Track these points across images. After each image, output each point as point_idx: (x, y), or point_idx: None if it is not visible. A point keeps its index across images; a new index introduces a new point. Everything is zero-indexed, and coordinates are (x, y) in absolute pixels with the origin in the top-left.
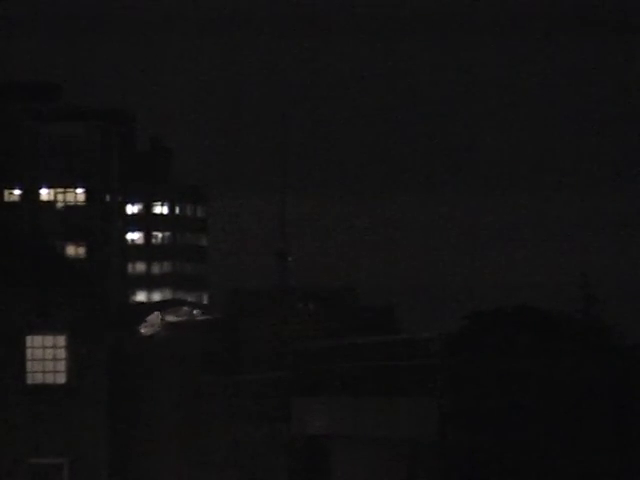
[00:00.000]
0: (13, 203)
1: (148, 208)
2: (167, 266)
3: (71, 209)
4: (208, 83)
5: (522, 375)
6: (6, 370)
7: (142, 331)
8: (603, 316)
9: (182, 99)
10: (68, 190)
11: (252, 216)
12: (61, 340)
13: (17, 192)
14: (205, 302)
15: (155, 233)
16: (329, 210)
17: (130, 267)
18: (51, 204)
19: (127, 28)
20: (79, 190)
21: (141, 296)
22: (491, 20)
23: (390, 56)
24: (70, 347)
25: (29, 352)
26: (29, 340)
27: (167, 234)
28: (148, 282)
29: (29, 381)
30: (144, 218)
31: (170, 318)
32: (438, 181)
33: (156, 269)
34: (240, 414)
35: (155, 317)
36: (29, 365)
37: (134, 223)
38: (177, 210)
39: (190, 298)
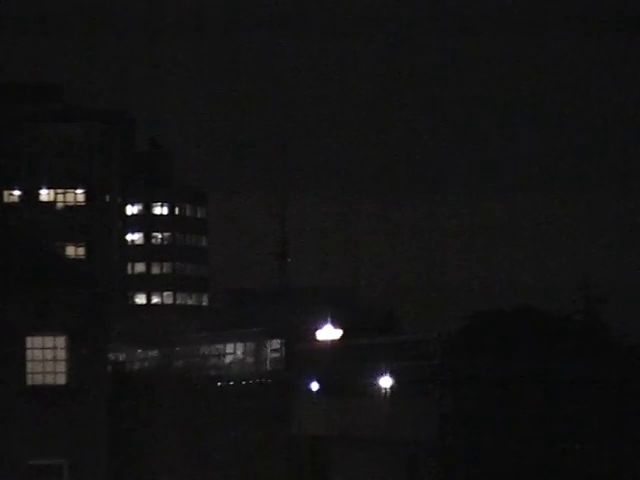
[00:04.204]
0: (13, 204)
1: (148, 209)
2: (167, 267)
3: (71, 210)
4: (208, 83)
5: (522, 375)
6: (6, 371)
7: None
8: (603, 316)
9: (182, 99)
10: (68, 191)
11: (252, 216)
12: (61, 341)
13: (17, 193)
14: (205, 303)
15: (155, 234)
16: (329, 210)
17: (130, 268)
18: (51, 205)
19: (127, 28)
20: (79, 191)
21: (141, 297)
22: (493, 19)
23: (390, 57)
24: (70, 348)
25: (29, 353)
26: (29, 341)
27: (167, 235)
28: (148, 283)
29: (29, 382)
30: (144, 219)
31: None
32: (438, 182)
33: (156, 270)
34: (240, 415)
35: None
36: (29, 366)
37: (134, 224)
38: (177, 211)
39: (190, 299)
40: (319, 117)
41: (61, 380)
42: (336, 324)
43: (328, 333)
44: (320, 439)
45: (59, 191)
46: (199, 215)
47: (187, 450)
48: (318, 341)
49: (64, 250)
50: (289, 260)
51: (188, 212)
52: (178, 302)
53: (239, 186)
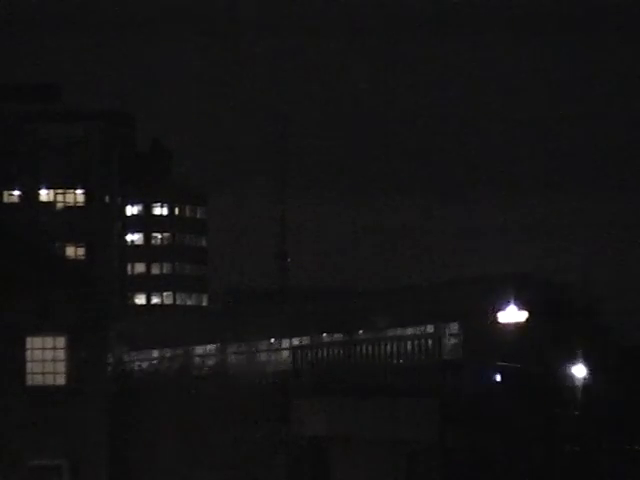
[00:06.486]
0: (13, 204)
1: (148, 209)
2: (167, 267)
3: (71, 210)
4: (207, 84)
5: (521, 375)
6: (6, 371)
7: None
8: (603, 316)
9: (182, 100)
10: (68, 191)
11: (251, 217)
12: (61, 341)
13: (17, 193)
14: (205, 303)
15: (155, 234)
16: (328, 211)
17: (130, 268)
18: (51, 205)
19: (127, 29)
20: (79, 191)
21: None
22: (492, 20)
23: (389, 58)
24: (70, 348)
25: (29, 353)
26: (29, 341)
27: (167, 235)
28: (148, 283)
29: (29, 382)
30: (144, 219)
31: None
32: (438, 182)
33: (156, 270)
34: (240, 415)
35: None
36: (29, 366)
37: (134, 224)
38: (177, 211)
39: (190, 299)
40: (319, 117)
41: (61, 380)
42: (520, 305)
43: (512, 315)
44: (320, 439)
45: (59, 191)
46: (199, 215)
47: (187, 450)
48: (500, 324)
49: (64, 250)
50: (289, 260)
51: (188, 212)
52: (178, 302)
53: (238, 187)
